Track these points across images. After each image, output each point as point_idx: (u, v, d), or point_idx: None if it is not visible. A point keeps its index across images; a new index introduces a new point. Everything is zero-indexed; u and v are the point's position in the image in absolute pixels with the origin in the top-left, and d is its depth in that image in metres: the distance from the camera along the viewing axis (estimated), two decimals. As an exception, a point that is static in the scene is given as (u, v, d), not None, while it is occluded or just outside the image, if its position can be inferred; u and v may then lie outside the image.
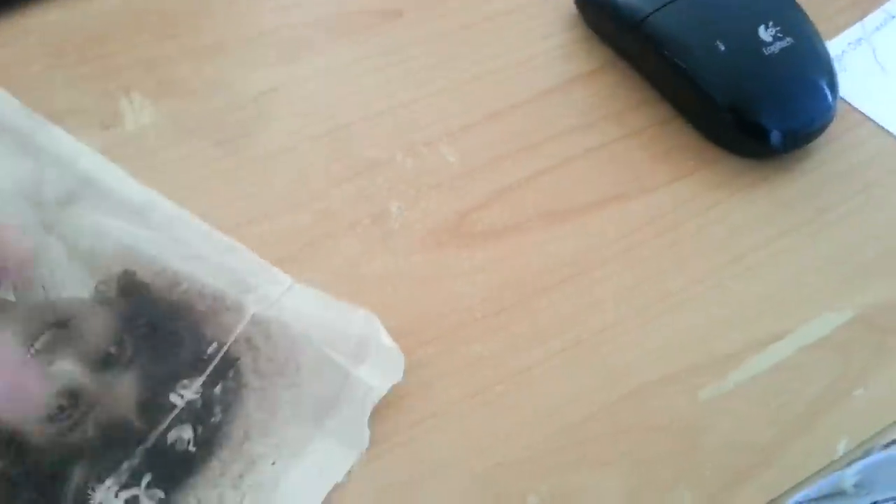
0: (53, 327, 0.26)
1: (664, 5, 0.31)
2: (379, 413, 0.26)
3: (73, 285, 0.27)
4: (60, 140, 0.30)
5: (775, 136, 0.30)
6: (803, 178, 0.31)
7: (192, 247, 0.28)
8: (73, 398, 0.25)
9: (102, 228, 0.28)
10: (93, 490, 0.23)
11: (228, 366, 0.25)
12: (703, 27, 0.31)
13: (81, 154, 0.30)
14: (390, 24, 0.36)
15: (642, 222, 0.30)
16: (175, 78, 0.34)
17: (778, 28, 0.30)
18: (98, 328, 0.26)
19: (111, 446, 0.24)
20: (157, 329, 0.26)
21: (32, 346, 0.25)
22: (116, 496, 0.23)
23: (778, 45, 0.30)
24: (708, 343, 0.27)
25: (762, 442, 0.25)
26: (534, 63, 0.35)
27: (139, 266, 0.27)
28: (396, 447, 0.25)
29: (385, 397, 0.26)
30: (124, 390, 0.25)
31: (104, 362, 0.25)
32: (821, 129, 0.31)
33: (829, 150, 0.32)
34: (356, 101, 0.33)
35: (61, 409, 0.24)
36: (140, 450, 0.24)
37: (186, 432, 0.24)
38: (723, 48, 0.30)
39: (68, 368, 0.25)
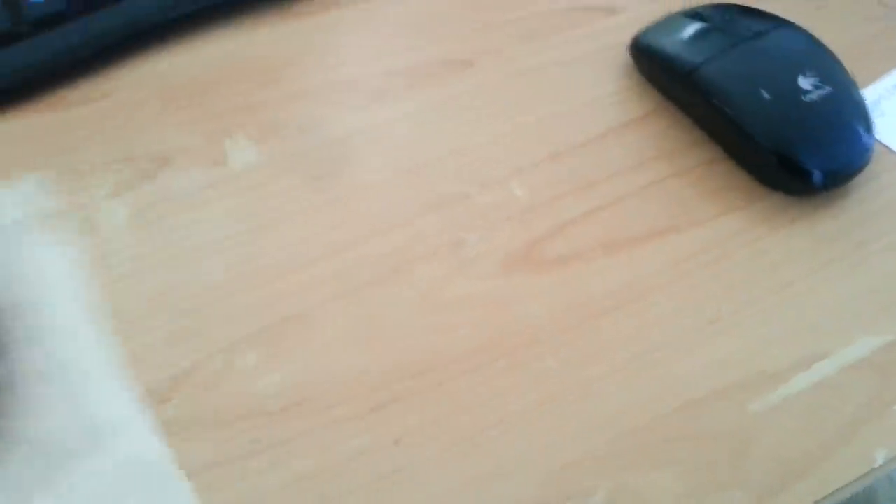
0: None
1: (712, 57, 0.35)
2: (459, 417, 0.29)
3: None
4: None
5: (817, 176, 0.33)
6: (843, 215, 0.34)
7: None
8: None
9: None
10: None
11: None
12: (748, 77, 0.34)
13: None
14: (462, 72, 0.40)
15: (692, 252, 0.33)
16: (273, 121, 0.38)
17: (817, 77, 0.34)
18: None
19: None
20: None
21: None
22: None
23: (817, 93, 0.33)
24: (755, 362, 0.30)
25: (806, 451, 0.28)
26: (592, 108, 0.38)
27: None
28: (477, 446, 0.28)
29: (463, 405, 0.29)
30: None
31: None
32: (859, 170, 0.34)
33: (867, 189, 0.35)
34: (433, 142, 0.37)
35: None
36: None
37: None
38: (766, 96, 0.33)
39: None
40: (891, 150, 0.36)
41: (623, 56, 0.40)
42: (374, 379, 0.30)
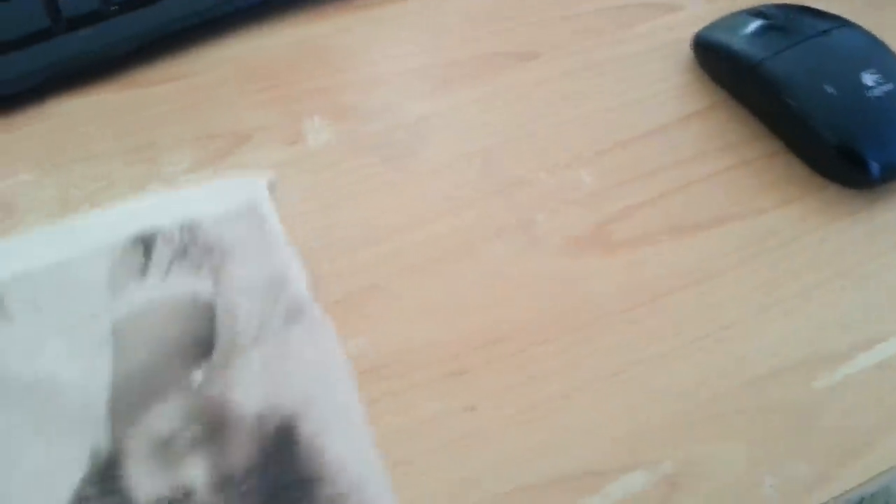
0: (209, 426, 0.29)
1: (777, 53, 0.36)
2: (529, 386, 0.30)
3: (247, 398, 0.29)
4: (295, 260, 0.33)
5: (874, 168, 0.34)
6: (900, 207, 0.35)
7: (355, 441, 0.29)
8: (185, 497, 0.27)
9: (299, 362, 0.30)
10: None
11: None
12: (812, 72, 0.35)
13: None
14: (529, 63, 0.41)
15: (756, 238, 0.34)
16: (346, 104, 0.40)
17: (880, 75, 0.35)
18: (239, 450, 0.28)
19: None
20: (281, 485, 0.27)
21: (183, 431, 0.28)
22: None
23: (880, 90, 0.34)
24: (818, 342, 0.31)
25: (869, 426, 0.29)
26: (655, 100, 0.40)
27: (303, 422, 0.29)
28: (548, 413, 0.30)
29: (534, 374, 0.31)
30: None
31: (225, 483, 0.28)
32: (916, 164, 0.35)
33: (924, 183, 0.36)
34: (501, 128, 0.39)
35: (170, 502, 0.27)
36: None
37: None
38: (830, 90, 0.35)
39: (198, 470, 0.28)
40: (946, 148, 0.37)
41: (685, 52, 0.41)
42: (449, 348, 0.32)
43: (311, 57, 0.42)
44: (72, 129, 0.39)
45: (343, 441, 0.29)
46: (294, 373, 0.30)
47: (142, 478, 0.28)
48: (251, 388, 0.30)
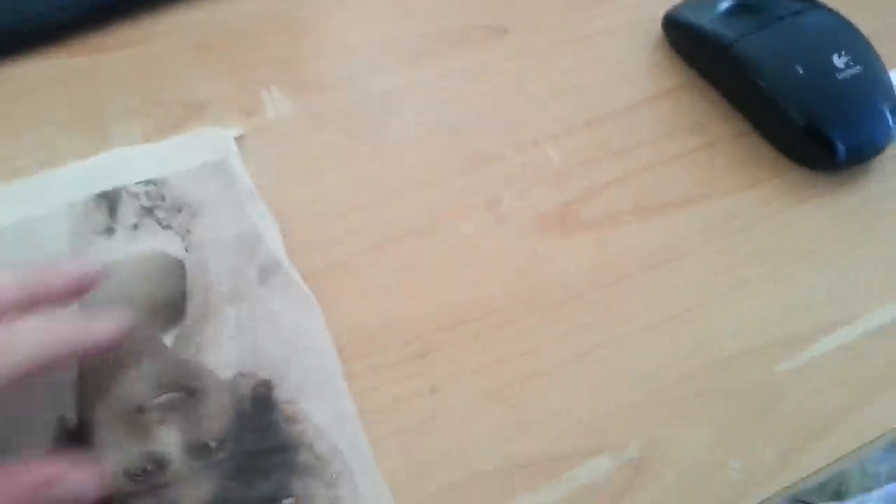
0: (183, 392, 0.28)
1: (748, 33, 0.36)
2: (494, 367, 0.30)
3: (221, 361, 0.28)
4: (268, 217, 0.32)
5: (841, 151, 0.34)
6: (865, 190, 0.35)
7: (336, 406, 0.28)
8: (159, 467, 0.26)
9: (276, 323, 0.29)
10: None
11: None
12: (783, 54, 0.35)
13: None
14: (498, 38, 0.40)
15: (721, 220, 0.34)
16: (309, 75, 0.38)
17: (849, 57, 0.35)
18: (214, 416, 0.27)
19: None
20: (257, 452, 0.27)
21: (156, 398, 0.27)
22: None
23: (849, 72, 0.34)
24: (782, 325, 0.31)
25: (830, 409, 0.29)
26: (624, 79, 0.39)
27: (279, 386, 0.28)
28: (512, 396, 0.29)
29: (498, 356, 0.30)
30: (202, 486, 0.26)
31: (200, 450, 0.27)
32: (882, 148, 0.35)
33: (889, 167, 0.36)
34: (469, 103, 0.38)
35: (144, 471, 0.26)
36: None
37: None
38: (801, 72, 0.34)
39: (171, 438, 0.27)
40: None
41: (655, 30, 0.41)
42: (412, 328, 0.31)
43: (271, 27, 0.40)
44: (21, 95, 0.37)
45: (322, 406, 0.28)
46: (270, 334, 0.29)
47: (112, 446, 0.27)
48: (226, 351, 0.29)
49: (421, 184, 0.35)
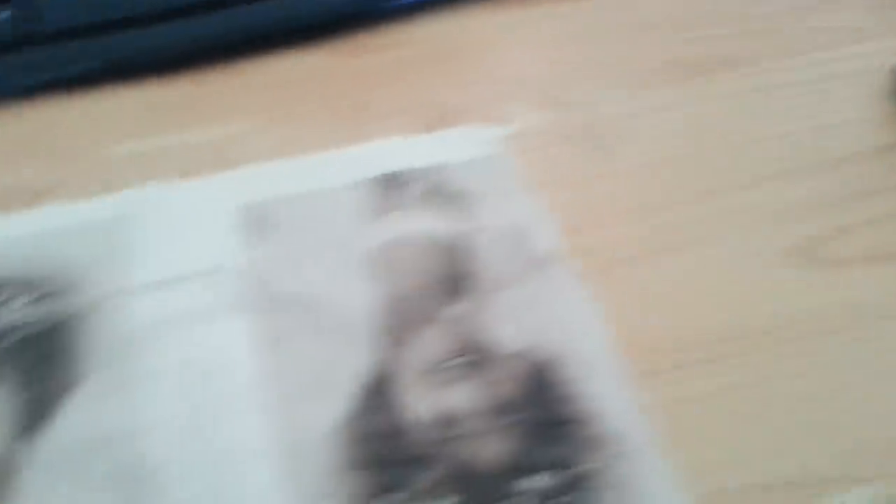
0: (475, 357, 0.30)
1: None
2: (768, 383, 0.30)
3: (507, 336, 0.31)
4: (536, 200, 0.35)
5: None
6: None
7: (616, 393, 0.30)
8: (456, 422, 0.29)
9: (555, 310, 0.31)
10: None
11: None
12: None
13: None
14: (729, 71, 0.42)
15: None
16: (549, 93, 0.41)
17: None
18: (503, 383, 0.30)
19: (456, 480, 0.27)
20: (544, 422, 0.29)
21: (450, 359, 0.30)
22: None
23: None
24: None
25: None
26: (854, 126, 0.40)
27: (563, 366, 0.30)
28: (767, 418, 0.30)
29: (769, 374, 0.31)
30: (496, 445, 0.28)
31: (492, 412, 0.29)
32: None
33: None
34: (699, 136, 0.39)
35: (443, 423, 0.29)
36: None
37: None
38: None
39: (465, 397, 0.29)
40: None
41: (885, 80, 0.41)
42: (674, 342, 0.32)
43: (516, 41, 0.43)
44: (290, 84, 0.41)
45: (601, 390, 0.30)
46: (549, 319, 0.31)
47: (413, 398, 0.29)
48: (505, 329, 0.31)
49: (654, 209, 0.36)
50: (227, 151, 0.37)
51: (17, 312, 0.31)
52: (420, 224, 0.34)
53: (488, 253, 0.33)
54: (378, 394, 0.30)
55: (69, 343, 0.31)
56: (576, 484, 0.28)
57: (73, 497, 0.27)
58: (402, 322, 0.31)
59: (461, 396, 0.29)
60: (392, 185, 0.35)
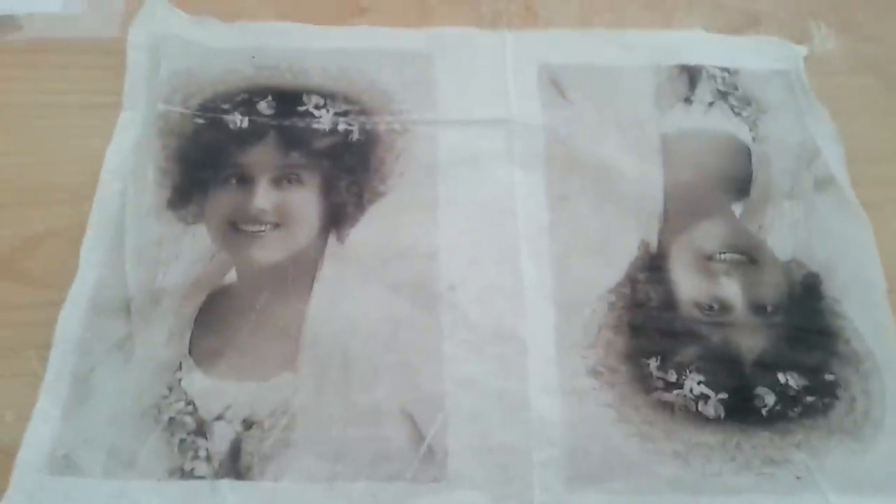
0: (745, 256, 0.32)
1: None
2: None
3: (778, 244, 0.32)
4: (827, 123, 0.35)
5: None
6: None
7: (875, 315, 0.31)
8: (723, 309, 0.31)
9: (828, 228, 0.33)
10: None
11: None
12: None
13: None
14: None
15: None
16: (858, 22, 0.40)
17: None
18: (770, 285, 0.31)
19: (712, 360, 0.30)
20: (803, 328, 0.31)
21: (722, 253, 0.32)
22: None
23: None
24: None
25: None
26: None
27: (827, 282, 0.32)
28: None
29: None
30: (756, 338, 0.30)
31: (757, 309, 0.31)
32: None
33: None
34: None
35: (710, 308, 0.31)
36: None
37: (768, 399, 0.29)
38: None
39: (734, 290, 0.31)
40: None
41: None
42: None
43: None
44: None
45: (862, 311, 0.31)
46: (822, 235, 0.33)
47: (684, 278, 0.32)
48: (782, 237, 0.32)
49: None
50: (537, 10, 0.39)
51: (328, 120, 0.35)
52: (716, 121, 0.35)
53: (777, 163, 0.34)
54: (655, 269, 0.32)
55: (379, 157, 0.34)
56: (821, 389, 0.30)
57: (370, 295, 0.31)
58: (685, 208, 0.33)
59: (730, 290, 0.31)
60: (691, 77, 0.36)
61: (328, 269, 0.31)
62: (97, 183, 0.33)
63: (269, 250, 0.32)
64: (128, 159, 0.34)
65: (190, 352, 0.29)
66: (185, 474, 0.28)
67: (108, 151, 0.34)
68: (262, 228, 0.32)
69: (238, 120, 0.34)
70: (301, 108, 0.35)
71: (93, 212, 0.32)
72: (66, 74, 0.37)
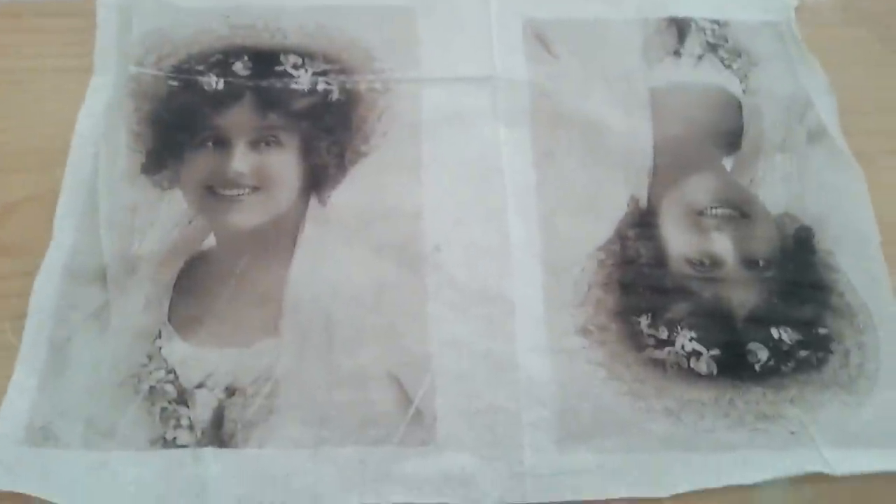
0: (737, 211, 0.31)
1: None
2: None
3: (770, 198, 0.31)
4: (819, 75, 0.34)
5: None
6: None
7: (868, 267, 0.31)
8: (714, 264, 0.30)
9: (820, 181, 0.32)
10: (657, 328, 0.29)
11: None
12: None
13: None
14: None
15: None
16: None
17: None
18: (762, 239, 0.31)
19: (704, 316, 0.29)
20: (796, 282, 0.30)
21: (713, 208, 0.31)
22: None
23: None
24: None
25: None
26: None
27: (819, 235, 0.31)
28: None
29: None
30: (749, 293, 0.30)
31: (749, 263, 0.30)
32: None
33: None
34: None
35: (701, 263, 0.30)
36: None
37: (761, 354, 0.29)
38: None
39: (725, 245, 0.30)
40: None
41: None
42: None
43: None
44: None
45: (855, 264, 0.31)
46: (815, 188, 0.32)
47: (674, 234, 0.31)
48: (774, 191, 0.32)
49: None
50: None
51: (306, 80, 0.34)
52: (705, 74, 0.34)
53: (769, 115, 0.33)
54: (644, 225, 0.31)
55: (361, 117, 0.33)
56: (815, 343, 0.29)
57: (353, 257, 0.30)
58: (675, 163, 0.32)
59: (722, 245, 0.31)
60: (680, 30, 0.35)
61: (310, 232, 0.30)
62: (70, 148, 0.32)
63: (248, 214, 0.31)
64: (100, 123, 0.32)
65: (169, 319, 0.29)
66: (167, 443, 0.27)
67: (79, 115, 0.33)
68: (241, 192, 0.31)
69: (213, 81, 0.33)
70: (278, 69, 0.34)
71: (65, 177, 0.31)
72: (36, 38, 0.36)
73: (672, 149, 0.33)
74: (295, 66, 0.34)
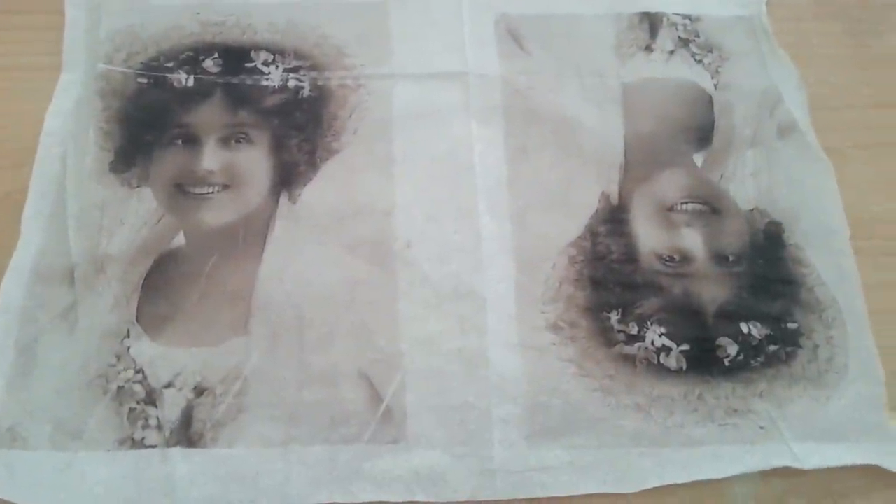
0: (707, 206, 0.31)
1: None
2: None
3: (741, 193, 0.31)
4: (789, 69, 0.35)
5: None
6: None
7: (838, 262, 0.31)
8: (684, 260, 0.30)
9: (790, 175, 0.32)
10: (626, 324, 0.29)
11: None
12: None
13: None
14: None
15: None
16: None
17: None
18: (732, 234, 0.31)
19: (674, 311, 0.29)
20: (766, 277, 0.30)
21: (684, 203, 0.31)
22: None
23: None
24: None
25: None
26: None
27: (789, 230, 0.31)
28: None
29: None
30: (719, 288, 0.30)
31: (719, 259, 0.30)
32: None
33: None
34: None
35: (671, 259, 0.30)
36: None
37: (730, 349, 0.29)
38: None
39: (695, 240, 0.31)
40: None
41: None
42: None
43: None
44: None
45: (825, 259, 0.31)
46: (784, 183, 0.32)
47: (645, 230, 0.31)
48: (744, 186, 0.32)
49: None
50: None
51: (277, 77, 0.33)
52: (677, 69, 0.34)
53: (740, 110, 0.33)
54: (615, 221, 0.31)
55: (332, 114, 0.33)
56: (784, 338, 0.29)
57: (324, 255, 0.30)
58: (646, 158, 0.32)
59: (692, 240, 0.31)
60: (652, 25, 0.35)
61: (280, 230, 0.30)
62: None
63: (218, 212, 0.31)
64: (68, 122, 0.32)
65: (137, 319, 0.28)
66: (136, 443, 0.27)
67: (47, 113, 0.32)
68: (211, 190, 0.31)
69: (183, 78, 0.33)
70: (249, 65, 0.33)
71: (33, 176, 0.31)
72: (5, 36, 0.35)
73: (643, 144, 0.33)
74: (266, 63, 0.34)
